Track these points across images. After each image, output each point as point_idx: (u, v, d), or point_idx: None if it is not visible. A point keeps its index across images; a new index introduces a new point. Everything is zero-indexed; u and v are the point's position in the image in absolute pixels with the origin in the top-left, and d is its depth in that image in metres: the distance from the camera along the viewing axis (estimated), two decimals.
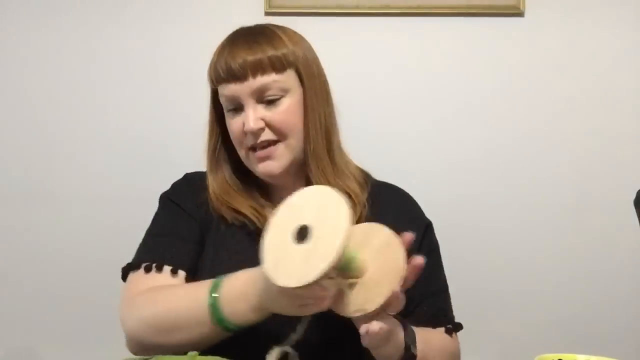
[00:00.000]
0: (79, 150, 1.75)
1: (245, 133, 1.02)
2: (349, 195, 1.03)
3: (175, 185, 1.15)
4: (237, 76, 1.01)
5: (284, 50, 1.02)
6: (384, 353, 0.89)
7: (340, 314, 0.84)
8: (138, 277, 1.03)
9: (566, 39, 1.73)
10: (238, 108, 1.03)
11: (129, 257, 1.11)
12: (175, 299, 0.94)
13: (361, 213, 1.05)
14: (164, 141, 1.74)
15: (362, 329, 0.81)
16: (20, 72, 1.76)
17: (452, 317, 1.10)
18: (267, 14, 1.71)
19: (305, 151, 1.05)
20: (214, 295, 0.89)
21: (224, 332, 0.90)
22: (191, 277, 1.03)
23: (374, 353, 0.89)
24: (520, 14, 1.71)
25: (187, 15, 1.74)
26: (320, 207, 0.79)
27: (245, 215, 1.06)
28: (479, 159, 1.73)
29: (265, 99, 1.01)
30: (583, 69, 1.73)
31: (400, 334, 0.89)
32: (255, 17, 1.70)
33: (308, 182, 1.07)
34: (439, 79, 1.74)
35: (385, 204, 1.09)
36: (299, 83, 1.04)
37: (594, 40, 1.72)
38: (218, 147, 1.10)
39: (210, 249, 1.06)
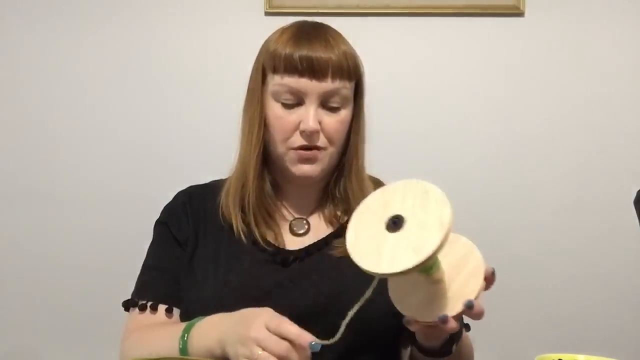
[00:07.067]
0: (78, 153, 1.75)
1: (295, 129, 0.99)
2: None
3: (165, 209, 1.13)
4: (315, 73, 0.96)
5: (355, 54, 1.02)
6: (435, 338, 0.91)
7: (417, 317, 0.81)
8: (135, 314, 1.05)
9: (566, 38, 1.73)
10: (296, 103, 0.99)
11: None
12: (158, 341, 0.96)
13: None
14: (164, 144, 1.74)
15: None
16: (19, 74, 1.76)
17: None
18: (267, 14, 1.71)
19: (349, 164, 1.05)
20: (184, 337, 0.91)
21: None
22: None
23: (426, 340, 0.91)
24: (520, 14, 1.71)
25: (187, 15, 1.74)
26: (418, 200, 0.76)
27: (262, 234, 1.04)
28: (477, 159, 1.73)
29: (328, 104, 0.99)
30: (583, 69, 1.73)
31: None
32: (255, 17, 1.71)
33: (325, 192, 1.09)
34: (439, 78, 1.74)
35: None
36: (354, 96, 1.04)
37: (594, 40, 1.72)
38: (262, 142, 1.03)
39: (217, 258, 1.04)
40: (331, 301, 0.98)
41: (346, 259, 1.00)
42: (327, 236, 1.06)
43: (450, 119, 1.74)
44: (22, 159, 1.76)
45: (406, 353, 1.14)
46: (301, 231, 1.07)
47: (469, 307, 0.78)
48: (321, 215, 1.09)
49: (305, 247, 1.04)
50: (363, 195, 1.05)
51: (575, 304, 1.73)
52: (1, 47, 1.76)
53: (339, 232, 1.06)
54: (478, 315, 0.80)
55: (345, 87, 1.00)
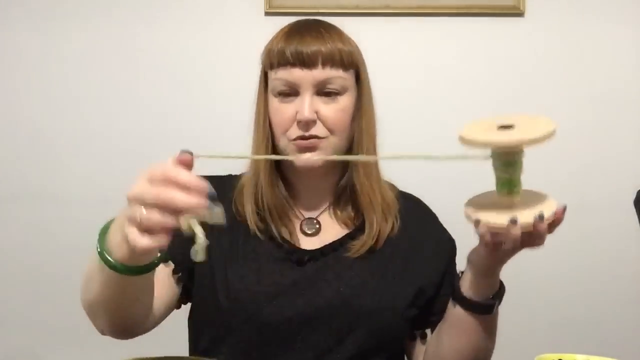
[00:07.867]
0: (81, 152, 1.75)
1: (293, 121, 0.99)
2: (386, 208, 1.06)
3: None
4: (306, 63, 0.97)
5: (351, 48, 1.02)
6: (489, 279, 0.97)
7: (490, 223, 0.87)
8: None
9: (566, 38, 1.73)
10: (291, 94, 0.99)
11: None
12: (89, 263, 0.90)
13: (393, 224, 1.06)
14: (165, 142, 1.74)
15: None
16: (21, 73, 1.76)
17: None
18: (267, 14, 1.71)
19: (354, 154, 1.04)
20: (100, 240, 0.84)
21: (113, 273, 0.82)
22: (186, 275, 1.03)
23: (481, 275, 0.97)
24: (520, 14, 1.72)
25: (187, 15, 1.74)
26: (531, 121, 0.89)
27: (282, 237, 1.03)
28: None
29: (323, 93, 0.99)
30: (583, 69, 1.73)
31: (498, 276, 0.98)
32: (255, 17, 1.71)
33: (336, 190, 1.07)
34: (438, 78, 1.74)
35: (411, 218, 1.10)
36: (355, 85, 1.03)
37: (594, 40, 1.73)
38: (269, 139, 1.03)
39: (233, 253, 1.02)
40: (345, 302, 0.98)
41: (360, 260, 1.01)
42: (343, 237, 1.05)
43: (449, 119, 1.73)
44: (23, 159, 1.76)
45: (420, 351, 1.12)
46: (311, 231, 1.06)
47: (540, 218, 0.85)
48: (333, 216, 1.08)
49: (321, 248, 1.04)
50: (372, 189, 1.04)
51: (575, 304, 1.73)
52: (2, 47, 1.76)
53: (354, 234, 1.05)
54: (540, 234, 0.86)
55: (340, 76, 0.99)
